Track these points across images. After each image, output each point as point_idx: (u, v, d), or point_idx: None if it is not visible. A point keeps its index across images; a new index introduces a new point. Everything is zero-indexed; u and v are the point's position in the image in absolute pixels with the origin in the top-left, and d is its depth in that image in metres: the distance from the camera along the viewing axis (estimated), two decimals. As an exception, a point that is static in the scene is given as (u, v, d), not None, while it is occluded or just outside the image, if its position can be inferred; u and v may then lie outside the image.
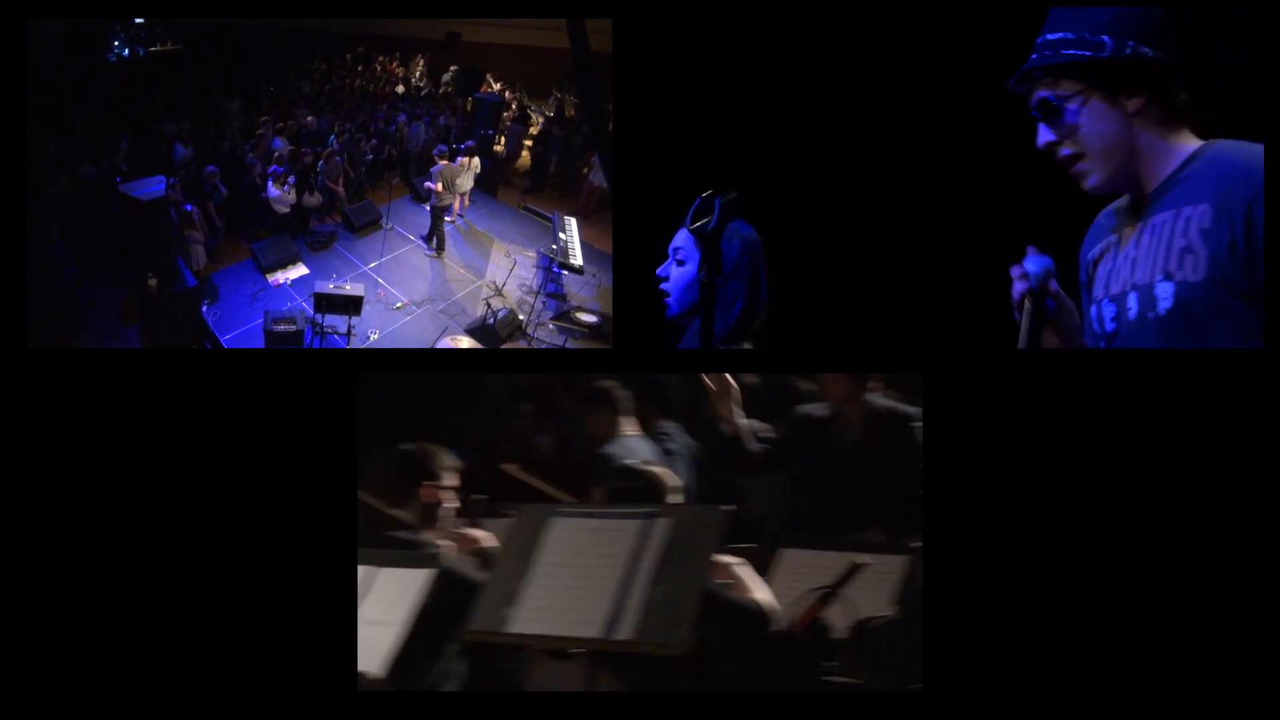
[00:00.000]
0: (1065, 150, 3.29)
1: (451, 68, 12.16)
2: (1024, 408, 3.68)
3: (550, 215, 10.48)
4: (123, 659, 3.74)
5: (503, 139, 11.72)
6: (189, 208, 9.26)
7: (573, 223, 10.15)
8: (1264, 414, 3.56)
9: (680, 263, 4.21)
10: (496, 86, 11.70)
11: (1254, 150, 3.13)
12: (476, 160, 11.00)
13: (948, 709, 3.65)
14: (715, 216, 3.44)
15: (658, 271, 4.24)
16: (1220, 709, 3.58)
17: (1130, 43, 3.19)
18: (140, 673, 3.75)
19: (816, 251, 5.58)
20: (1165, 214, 3.21)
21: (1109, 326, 3.34)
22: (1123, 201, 3.42)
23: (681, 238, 4.25)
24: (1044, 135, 3.31)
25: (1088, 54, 3.21)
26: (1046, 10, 3.34)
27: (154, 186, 8.70)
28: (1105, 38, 3.20)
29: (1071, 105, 3.24)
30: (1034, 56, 3.30)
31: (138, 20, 10.29)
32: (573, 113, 12.01)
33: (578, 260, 9.90)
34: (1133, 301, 3.25)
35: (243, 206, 10.01)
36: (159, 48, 10.62)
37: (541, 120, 11.99)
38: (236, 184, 9.93)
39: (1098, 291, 3.40)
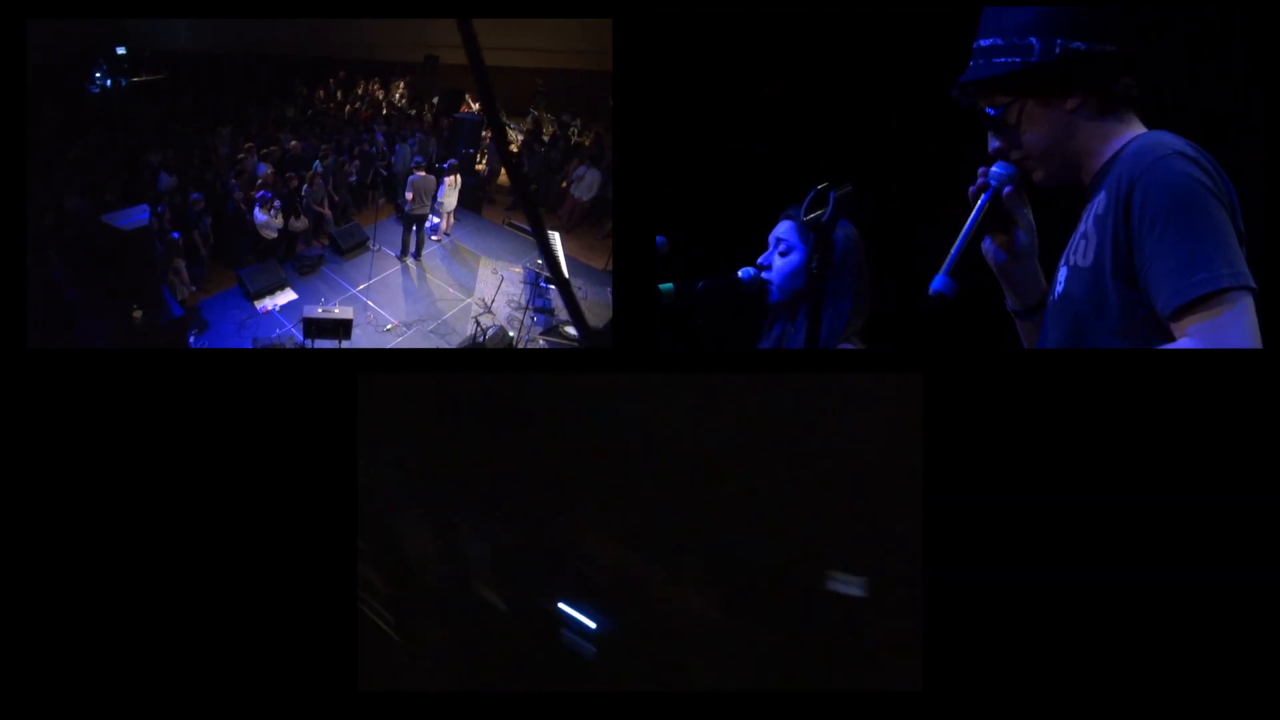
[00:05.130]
0: (1013, 154, 3.31)
1: (434, 99, 12.21)
2: (1024, 408, 3.68)
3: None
4: (123, 659, 3.74)
5: (483, 157, 11.78)
6: (175, 236, 9.24)
7: (556, 237, 10.21)
8: (1264, 414, 3.57)
9: (784, 253, 4.23)
10: (475, 106, 11.75)
11: (1161, 139, 3.09)
12: (459, 178, 11.05)
13: (948, 709, 3.65)
14: (830, 209, 3.46)
15: (758, 260, 4.26)
16: (1220, 709, 3.59)
17: (1059, 41, 3.19)
18: (141, 673, 3.74)
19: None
20: (1088, 204, 3.25)
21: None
22: None
23: (784, 229, 4.28)
24: (992, 143, 3.35)
25: (1017, 60, 3.22)
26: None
27: (137, 216, 8.68)
28: (1032, 39, 3.22)
29: (1007, 114, 3.27)
30: (971, 65, 3.33)
31: (119, 50, 10.30)
32: (551, 129, 12.10)
33: (563, 273, 9.94)
34: (1060, 278, 3.29)
35: (228, 233, 9.98)
36: (142, 78, 10.63)
37: (520, 137, 12.06)
38: (220, 210, 9.90)
39: None
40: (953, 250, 3.25)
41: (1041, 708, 3.66)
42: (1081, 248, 3.15)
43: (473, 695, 3.72)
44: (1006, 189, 3.30)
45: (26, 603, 3.75)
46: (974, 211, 3.31)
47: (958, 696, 3.66)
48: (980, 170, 3.33)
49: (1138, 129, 3.24)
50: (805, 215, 3.54)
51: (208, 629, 3.75)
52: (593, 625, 3.83)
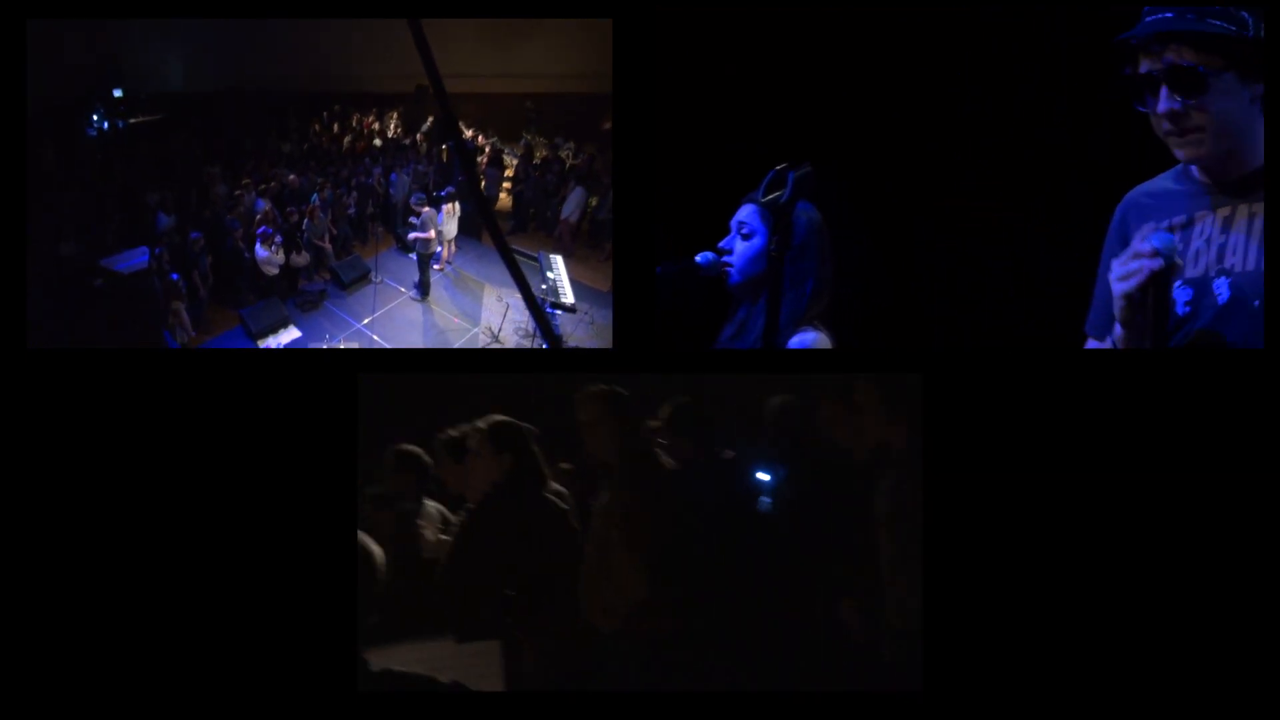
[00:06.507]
0: (1192, 121, 3.18)
1: (425, 127, 12.22)
2: (1024, 408, 3.69)
3: (536, 255, 10.47)
4: (123, 659, 3.74)
5: (480, 183, 11.77)
6: (174, 277, 9.19)
7: (559, 260, 10.14)
8: (1264, 414, 3.57)
9: (746, 236, 4.24)
10: (469, 133, 11.75)
11: None
12: (457, 205, 11.02)
13: (948, 710, 3.65)
14: (789, 190, 3.45)
15: (719, 245, 4.26)
16: (1220, 709, 3.58)
17: (1261, 25, 3.12)
18: (141, 673, 3.74)
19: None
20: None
21: (1179, 310, 3.26)
22: (1181, 183, 3.40)
23: (745, 212, 4.28)
24: (1167, 103, 3.19)
25: (1233, 29, 3.10)
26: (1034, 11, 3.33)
27: (137, 259, 8.69)
28: (1246, 15, 3.11)
29: (1213, 79, 3.12)
30: (1169, 16, 3.17)
31: (116, 93, 10.31)
32: (543, 152, 12.09)
33: (569, 298, 9.86)
34: (1222, 287, 3.20)
35: (227, 271, 9.92)
36: (139, 119, 10.61)
37: (515, 162, 12.05)
38: (219, 248, 9.85)
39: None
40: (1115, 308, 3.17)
41: (1041, 708, 3.66)
42: None
43: (473, 695, 3.71)
44: (1178, 261, 3.18)
45: (26, 602, 3.75)
46: (1135, 279, 3.13)
47: (958, 696, 3.66)
48: (1144, 249, 3.13)
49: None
50: (764, 196, 3.54)
51: (208, 629, 3.75)
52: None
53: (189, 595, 3.75)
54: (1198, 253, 3.28)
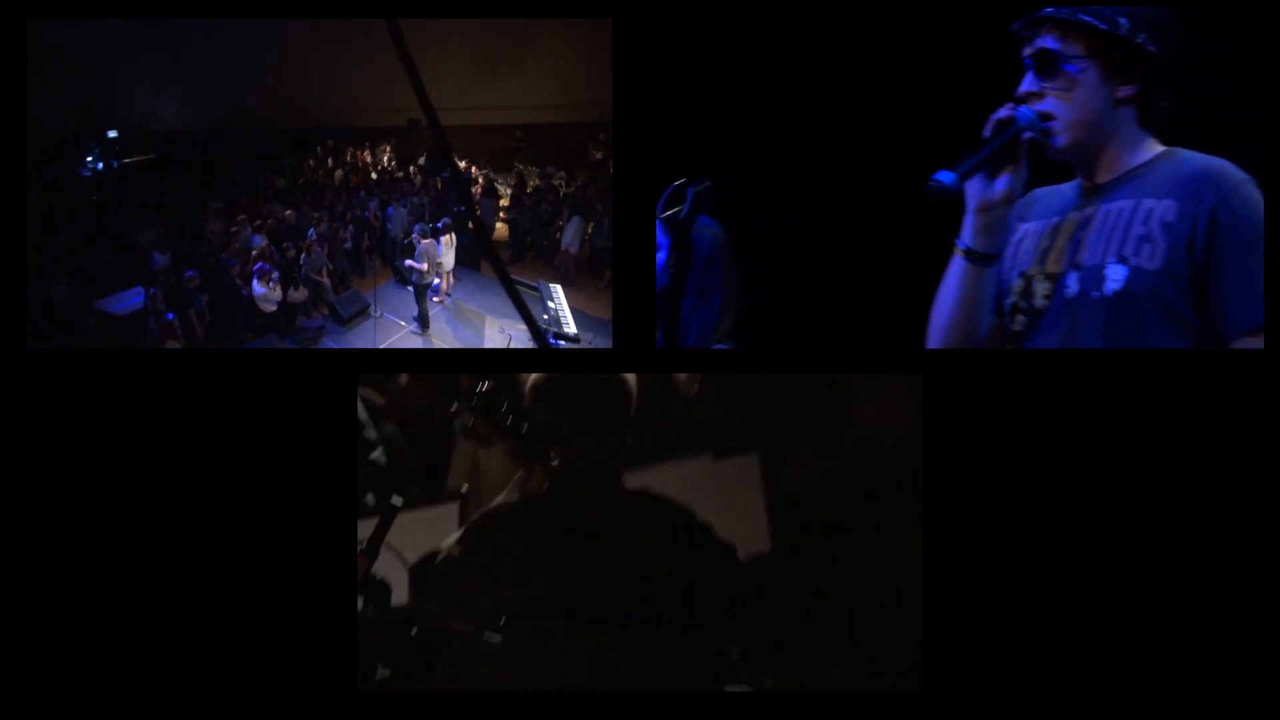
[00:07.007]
0: (1043, 104, 3.34)
1: (420, 160, 12.27)
2: (1024, 408, 3.69)
3: (536, 284, 10.46)
4: (122, 659, 3.72)
5: (477, 213, 11.79)
6: (170, 316, 9.18)
7: (559, 290, 10.10)
8: (1264, 414, 3.58)
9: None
10: (462, 164, 11.78)
11: (1218, 162, 3.26)
12: (454, 236, 11.03)
13: (948, 710, 3.64)
14: (687, 205, 3.46)
15: None
16: (1220, 709, 3.58)
17: (1142, 34, 3.25)
18: (140, 673, 3.72)
19: (816, 250, 5.64)
20: (1123, 202, 3.30)
21: (1037, 303, 3.42)
22: (1074, 190, 3.51)
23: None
24: (1028, 84, 3.37)
25: (1103, 26, 3.24)
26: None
27: (131, 300, 8.73)
28: (1122, 19, 3.25)
29: (1071, 65, 3.28)
30: (1049, 10, 3.33)
31: (110, 134, 10.34)
32: (535, 182, 12.14)
33: (571, 329, 9.81)
34: (1072, 281, 3.33)
35: (224, 309, 9.89)
36: (133, 158, 10.63)
37: (509, 191, 12.09)
38: (216, 286, 9.84)
39: (1028, 266, 3.49)
40: (968, 160, 3.28)
41: (1041, 708, 3.65)
42: (1147, 251, 3.20)
43: (473, 695, 3.70)
44: (1027, 134, 3.31)
45: (26, 602, 3.73)
46: (996, 139, 3.31)
47: (958, 696, 3.65)
48: (1009, 105, 3.34)
49: (1158, 146, 3.35)
50: (663, 212, 3.56)
51: (207, 629, 3.73)
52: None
53: (188, 595, 3.72)
54: (1061, 250, 3.41)
